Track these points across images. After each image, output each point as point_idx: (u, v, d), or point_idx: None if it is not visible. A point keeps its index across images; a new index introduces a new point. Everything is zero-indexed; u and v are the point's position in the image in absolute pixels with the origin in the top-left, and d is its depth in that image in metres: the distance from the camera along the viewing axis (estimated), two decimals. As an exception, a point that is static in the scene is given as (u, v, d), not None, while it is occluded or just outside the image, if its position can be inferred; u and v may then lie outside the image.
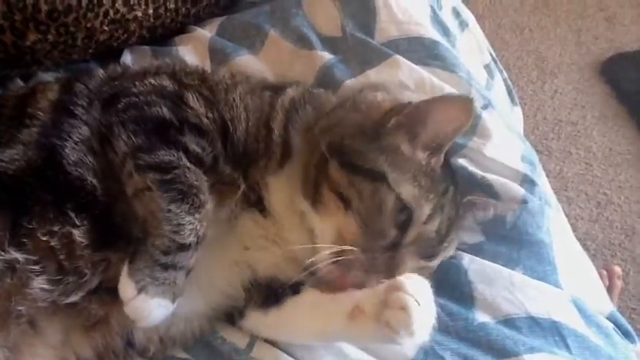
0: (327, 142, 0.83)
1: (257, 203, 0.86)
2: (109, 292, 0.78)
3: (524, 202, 0.97)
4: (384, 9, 1.15)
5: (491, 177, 0.98)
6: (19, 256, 0.75)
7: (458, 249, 0.95)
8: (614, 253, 1.93)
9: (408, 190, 0.81)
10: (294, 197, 0.85)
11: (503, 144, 1.03)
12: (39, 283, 0.75)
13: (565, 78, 2.35)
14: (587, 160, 2.14)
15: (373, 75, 1.08)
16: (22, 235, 0.76)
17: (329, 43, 1.14)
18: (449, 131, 0.84)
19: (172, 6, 1.17)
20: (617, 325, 0.98)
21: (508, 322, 0.89)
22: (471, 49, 1.26)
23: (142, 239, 0.74)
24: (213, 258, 0.84)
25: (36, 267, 0.75)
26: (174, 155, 0.77)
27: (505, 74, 1.33)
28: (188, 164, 0.77)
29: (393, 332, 0.72)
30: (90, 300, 0.79)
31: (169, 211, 0.73)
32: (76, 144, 0.80)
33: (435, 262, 0.87)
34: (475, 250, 0.95)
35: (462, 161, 1.00)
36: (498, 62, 1.33)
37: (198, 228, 0.75)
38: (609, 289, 1.61)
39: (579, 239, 1.10)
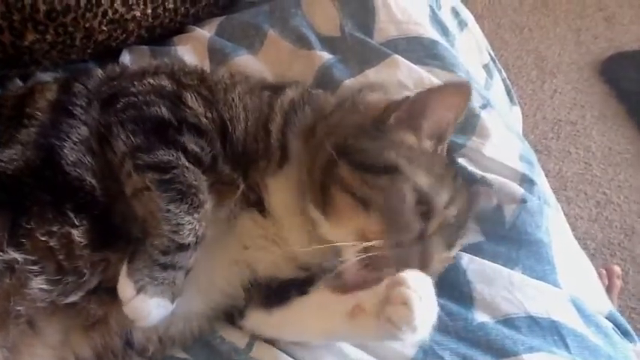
0: (333, 144, 0.83)
1: (256, 203, 0.86)
2: (108, 292, 0.78)
3: (523, 201, 0.97)
4: (383, 9, 1.15)
5: (490, 176, 0.99)
6: (18, 256, 0.75)
7: (457, 249, 0.95)
8: (613, 253, 1.93)
9: (423, 179, 0.80)
10: (299, 202, 0.85)
11: (502, 143, 1.03)
12: (38, 284, 0.75)
13: (564, 77, 2.35)
14: (587, 159, 2.14)
15: (372, 75, 1.08)
16: (21, 235, 0.76)
17: (328, 42, 1.14)
18: (450, 117, 0.85)
19: (171, 6, 1.17)
20: (617, 325, 0.97)
21: (507, 321, 0.89)
22: (470, 48, 1.27)
23: (141, 239, 0.74)
24: (213, 257, 0.84)
25: (35, 267, 0.75)
26: (173, 155, 0.77)
27: (504, 74, 1.33)
28: (187, 164, 0.77)
29: (395, 328, 0.71)
30: (89, 300, 0.79)
31: (168, 211, 0.73)
32: (74, 144, 0.80)
33: (453, 252, 0.86)
34: (474, 249, 0.95)
35: (461, 161, 1.00)
36: (497, 62, 1.33)
37: (197, 228, 0.75)
38: (609, 289, 1.61)
39: (579, 239, 1.10)
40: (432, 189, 0.80)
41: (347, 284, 0.79)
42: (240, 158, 0.85)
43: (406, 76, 1.06)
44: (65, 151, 0.79)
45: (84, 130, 0.82)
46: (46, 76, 1.08)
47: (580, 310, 0.93)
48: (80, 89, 0.87)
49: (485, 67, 1.28)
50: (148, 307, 0.73)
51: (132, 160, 0.77)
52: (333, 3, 1.17)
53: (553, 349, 0.86)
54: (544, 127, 2.20)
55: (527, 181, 1.01)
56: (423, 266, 0.77)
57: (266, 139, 0.86)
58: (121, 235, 0.78)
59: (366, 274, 0.77)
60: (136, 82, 0.85)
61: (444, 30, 1.18)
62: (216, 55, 1.15)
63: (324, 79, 1.09)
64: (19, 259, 0.75)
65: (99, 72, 0.93)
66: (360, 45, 1.11)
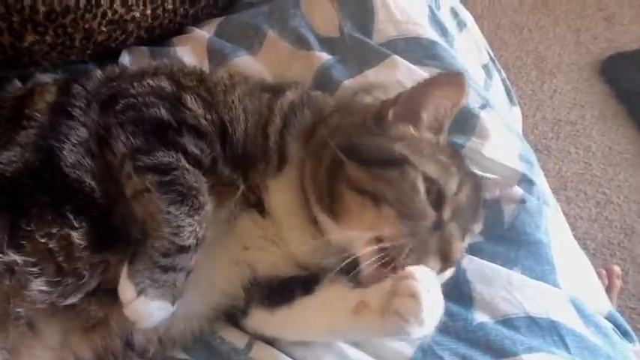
0: (337, 144, 0.83)
1: (256, 204, 0.86)
2: (108, 293, 0.78)
3: (523, 201, 0.97)
4: (382, 9, 1.15)
5: (490, 177, 0.99)
6: (18, 258, 0.75)
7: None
8: (613, 253, 1.93)
9: (431, 168, 0.80)
10: (298, 203, 0.85)
11: (501, 144, 1.03)
12: (37, 285, 0.75)
13: (564, 78, 2.35)
14: (587, 159, 2.14)
15: (371, 75, 1.08)
16: (21, 237, 0.76)
17: (327, 43, 1.14)
18: (448, 106, 0.86)
19: (170, 7, 1.17)
20: (616, 325, 0.97)
21: (507, 321, 0.89)
22: (469, 49, 1.27)
23: (141, 241, 0.74)
24: (213, 258, 0.84)
25: (34, 269, 0.75)
26: (173, 157, 0.76)
27: (504, 74, 1.34)
28: (187, 166, 0.77)
29: (403, 320, 0.70)
30: (89, 301, 0.79)
31: (169, 212, 0.73)
32: (73, 146, 0.80)
33: (466, 241, 0.85)
34: (473, 250, 0.95)
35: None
36: (497, 62, 1.33)
37: (197, 230, 0.75)
38: (608, 289, 1.60)
39: (578, 239, 1.10)
40: (440, 176, 0.81)
41: (364, 283, 0.79)
42: (239, 160, 0.85)
43: (405, 77, 1.06)
44: (64, 152, 0.79)
45: (83, 132, 0.81)
46: (46, 78, 1.08)
47: (579, 310, 0.93)
48: (79, 90, 0.87)
49: (485, 67, 1.28)
50: (149, 309, 0.73)
51: (132, 161, 0.76)
52: (332, 4, 1.17)
53: (552, 350, 0.86)
54: (544, 127, 2.20)
55: (526, 181, 1.01)
56: (443, 253, 0.77)
57: (264, 143, 0.86)
58: (120, 237, 0.78)
59: (386, 272, 0.75)
60: (135, 84, 0.85)
61: (443, 30, 1.19)
62: (216, 56, 1.15)
63: (324, 80, 1.09)
64: (19, 260, 0.75)
65: (98, 73, 0.92)
66: (359, 45, 1.12)
